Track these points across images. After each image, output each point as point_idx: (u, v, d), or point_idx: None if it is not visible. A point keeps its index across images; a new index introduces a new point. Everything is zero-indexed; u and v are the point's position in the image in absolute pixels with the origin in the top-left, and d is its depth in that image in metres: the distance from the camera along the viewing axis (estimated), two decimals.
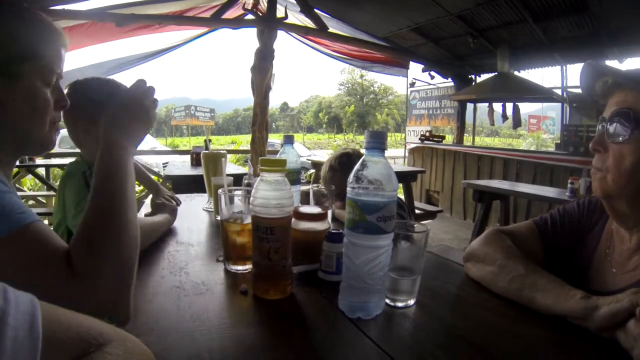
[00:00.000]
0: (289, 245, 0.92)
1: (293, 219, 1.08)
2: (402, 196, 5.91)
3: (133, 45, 5.79)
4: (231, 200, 1.11)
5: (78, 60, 5.42)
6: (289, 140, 1.43)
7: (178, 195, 2.23)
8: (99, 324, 0.46)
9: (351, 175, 0.79)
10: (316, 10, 5.87)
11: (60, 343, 0.40)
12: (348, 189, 0.80)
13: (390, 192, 0.77)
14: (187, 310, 0.85)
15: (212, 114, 24.30)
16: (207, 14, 5.96)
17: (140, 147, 0.99)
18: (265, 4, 5.49)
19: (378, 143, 0.78)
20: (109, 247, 0.73)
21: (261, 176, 0.89)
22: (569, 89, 7.04)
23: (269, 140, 5.81)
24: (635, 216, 0.92)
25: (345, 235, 0.82)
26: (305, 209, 1.12)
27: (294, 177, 1.36)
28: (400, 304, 0.89)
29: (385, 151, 0.79)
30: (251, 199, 0.90)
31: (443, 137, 8.51)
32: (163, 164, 9.44)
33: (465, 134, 8.71)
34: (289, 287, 0.94)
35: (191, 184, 3.37)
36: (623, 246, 0.98)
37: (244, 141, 17.41)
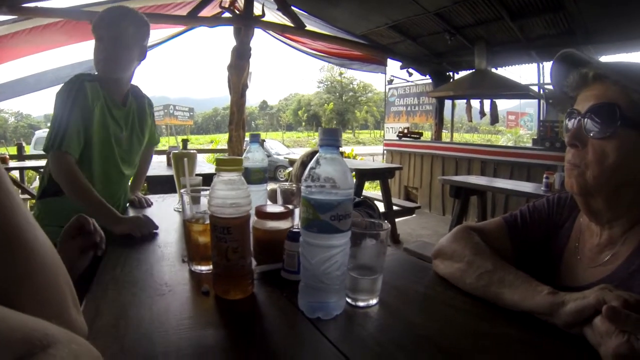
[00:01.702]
0: (248, 244, 0.90)
1: (256, 218, 1.07)
2: (379, 193, 5.94)
3: None
4: (194, 200, 1.09)
5: (56, 59, 5.34)
6: (255, 139, 1.41)
7: (152, 196, 2.21)
8: (44, 325, 0.44)
9: (305, 173, 0.77)
10: (293, 8, 5.86)
11: (4, 343, 0.38)
12: (302, 187, 0.78)
13: (344, 190, 0.75)
14: (148, 311, 0.84)
15: (192, 113, 23.96)
16: (184, 11, 5.88)
17: None
18: (242, 2, 5.45)
19: (332, 140, 0.76)
20: None
21: (217, 176, 0.88)
22: (545, 86, 7.16)
23: (246, 139, 5.78)
24: (609, 213, 0.91)
25: (301, 234, 0.81)
26: (267, 208, 1.11)
27: (260, 176, 1.34)
28: (361, 304, 0.88)
29: (340, 148, 0.78)
30: (208, 199, 0.88)
31: (421, 134, 8.57)
32: None
33: (444, 131, 8.78)
34: (250, 287, 0.93)
35: (166, 184, 3.30)
36: (593, 241, 0.97)
37: (223, 140, 17.33)
